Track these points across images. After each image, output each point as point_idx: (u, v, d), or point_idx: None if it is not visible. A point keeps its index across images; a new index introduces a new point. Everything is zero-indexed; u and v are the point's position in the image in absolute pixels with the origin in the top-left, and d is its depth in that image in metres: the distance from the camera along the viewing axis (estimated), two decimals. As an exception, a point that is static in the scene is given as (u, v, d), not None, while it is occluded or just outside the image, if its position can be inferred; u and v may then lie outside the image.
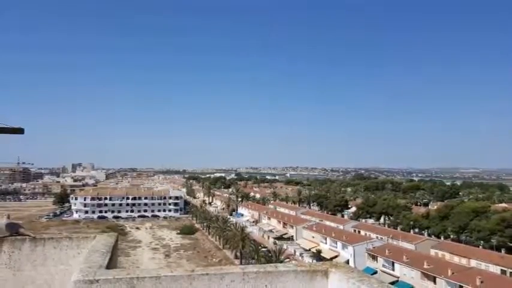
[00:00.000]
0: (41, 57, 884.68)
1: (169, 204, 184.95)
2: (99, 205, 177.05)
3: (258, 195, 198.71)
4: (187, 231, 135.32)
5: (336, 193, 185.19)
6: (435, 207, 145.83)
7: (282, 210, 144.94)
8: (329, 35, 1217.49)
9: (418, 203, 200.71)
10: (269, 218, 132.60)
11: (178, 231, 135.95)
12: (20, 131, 7.35)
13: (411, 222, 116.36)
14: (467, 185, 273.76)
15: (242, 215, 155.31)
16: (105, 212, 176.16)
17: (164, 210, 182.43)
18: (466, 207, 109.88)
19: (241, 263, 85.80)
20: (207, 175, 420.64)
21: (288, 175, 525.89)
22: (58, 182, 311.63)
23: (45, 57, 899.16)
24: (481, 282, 56.40)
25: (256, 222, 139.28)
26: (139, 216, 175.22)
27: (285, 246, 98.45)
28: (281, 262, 56.96)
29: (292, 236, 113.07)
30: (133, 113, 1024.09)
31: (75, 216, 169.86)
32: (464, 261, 76.28)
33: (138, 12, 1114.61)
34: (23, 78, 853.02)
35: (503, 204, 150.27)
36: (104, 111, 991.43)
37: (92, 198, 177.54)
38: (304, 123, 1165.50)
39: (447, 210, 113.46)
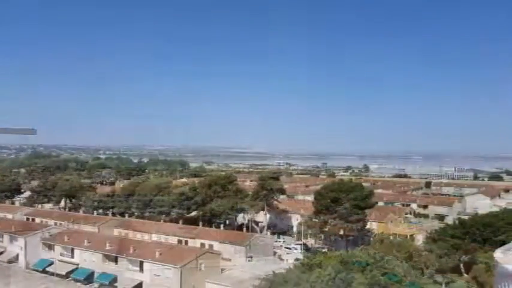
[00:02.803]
0: None
1: None
2: None
3: None
4: None
5: (5, 176, 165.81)
6: (121, 185, 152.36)
7: None
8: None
9: (104, 182, 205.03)
10: None
11: None
12: (31, 131, 9.68)
13: (95, 203, 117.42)
14: (153, 162, 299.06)
15: None
16: None
17: None
18: (151, 183, 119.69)
19: None
20: None
21: None
22: None
23: None
24: (160, 254, 62.88)
25: None
26: None
27: None
28: None
29: None
30: None
31: None
32: (146, 236, 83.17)
33: None
34: None
35: (184, 180, 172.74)
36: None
37: None
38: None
39: (132, 187, 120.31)
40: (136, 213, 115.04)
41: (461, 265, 70.99)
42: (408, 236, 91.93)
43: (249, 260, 72.95)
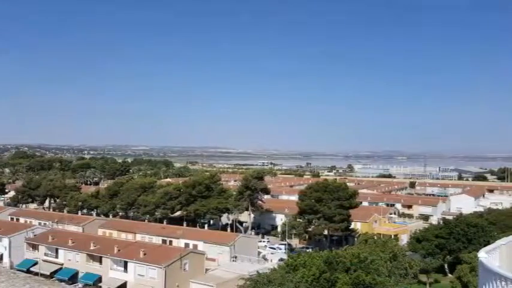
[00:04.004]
0: None
1: None
2: None
3: None
4: None
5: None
6: (106, 185, 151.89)
7: None
8: None
9: (89, 182, 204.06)
10: None
11: None
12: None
13: (80, 203, 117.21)
14: (137, 162, 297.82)
15: None
16: None
17: None
18: (135, 183, 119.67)
19: None
20: None
21: None
22: None
23: None
24: (144, 254, 63.31)
25: None
26: None
27: None
28: None
29: None
30: None
31: None
32: (130, 236, 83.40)
33: None
34: None
35: (168, 179, 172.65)
36: None
37: None
38: None
39: (117, 187, 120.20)
40: (120, 213, 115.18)
41: (446, 265, 72.24)
42: (392, 236, 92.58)
43: (233, 260, 73.69)
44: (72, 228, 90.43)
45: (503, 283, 15.77)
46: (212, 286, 59.47)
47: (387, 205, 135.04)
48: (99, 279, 65.89)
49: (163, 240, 79.76)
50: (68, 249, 71.89)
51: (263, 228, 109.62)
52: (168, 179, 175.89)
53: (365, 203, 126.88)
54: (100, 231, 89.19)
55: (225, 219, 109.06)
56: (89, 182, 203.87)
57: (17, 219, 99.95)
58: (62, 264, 71.74)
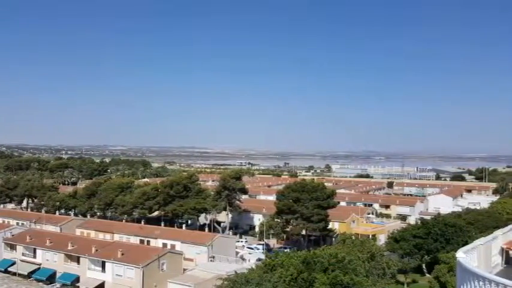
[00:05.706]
0: None
1: None
2: None
3: None
4: None
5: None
6: (84, 185, 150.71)
7: None
8: None
9: (67, 182, 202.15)
10: None
11: None
12: None
13: (57, 203, 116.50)
14: (115, 162, 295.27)
15: None
16: None
17: None
18: (113, 183, 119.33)
19: None
20: None
21: None
22: None
23: None
24: (122, 254, 63.79)
25: None
26: None
27: None
28: None
29: None
30: None
31: None
32: (108, 236, 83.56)
33: None
34: None
35: (146, 179, 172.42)
36: None
37: None
38: None
39: (95, 187, 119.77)
40: (98, 213, 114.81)
41: (424, 265, 72.96)
42: (370, 236, 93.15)
43: (211, 260, 74.43)
44: (50, 228, 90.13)
45: (480, 283, 16.19)
46: (190, 286, 60.18)
47: (365, 205, 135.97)
48: (77, 279, 66.16)
49: (141, 240, 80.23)
50: (45, 249, 71.93)
51: (241, 228, 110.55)
52: (146, 179, 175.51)
53: (343, 203, 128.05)
54: (78, 231, 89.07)
55: (202, 219, 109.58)
56: (66, 182, 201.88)
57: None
58: (40, 264, 71.79)
